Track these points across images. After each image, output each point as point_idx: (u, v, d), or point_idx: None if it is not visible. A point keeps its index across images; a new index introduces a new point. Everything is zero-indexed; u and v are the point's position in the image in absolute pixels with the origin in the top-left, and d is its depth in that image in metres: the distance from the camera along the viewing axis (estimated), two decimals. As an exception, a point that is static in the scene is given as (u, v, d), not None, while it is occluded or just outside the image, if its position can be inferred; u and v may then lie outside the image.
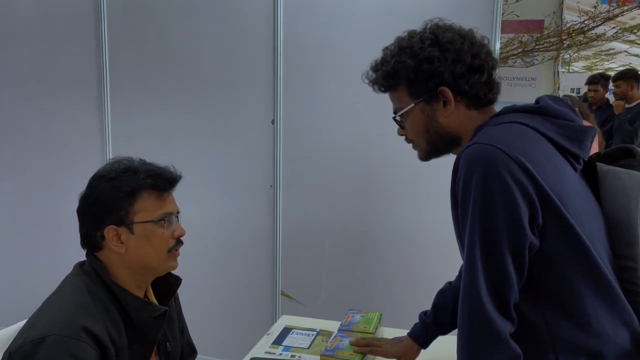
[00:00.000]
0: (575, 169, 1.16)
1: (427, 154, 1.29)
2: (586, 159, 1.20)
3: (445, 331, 1.57)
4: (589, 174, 1.22)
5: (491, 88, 1.23)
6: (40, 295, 1.32)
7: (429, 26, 1.25)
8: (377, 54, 1.31)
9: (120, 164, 1.32)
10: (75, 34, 2.78)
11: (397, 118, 1.29)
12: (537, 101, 1.21)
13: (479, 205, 1.05)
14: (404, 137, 1.32)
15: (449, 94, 1.20)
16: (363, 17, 2.44)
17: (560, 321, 1.08)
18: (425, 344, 1.58)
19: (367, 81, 1.31)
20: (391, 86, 1.27)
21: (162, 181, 1.32)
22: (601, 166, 1.23)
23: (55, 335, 1.13)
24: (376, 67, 1.28)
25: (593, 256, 1.07)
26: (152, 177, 1.30)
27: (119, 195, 1.27)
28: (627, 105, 4.90)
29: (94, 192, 1.29)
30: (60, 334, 1.13)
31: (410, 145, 1.33)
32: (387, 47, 1.27)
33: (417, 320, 1.62)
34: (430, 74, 1.19)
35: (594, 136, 1.17)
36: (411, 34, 1.25)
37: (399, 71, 1.22)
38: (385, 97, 1.33)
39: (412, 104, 1.24)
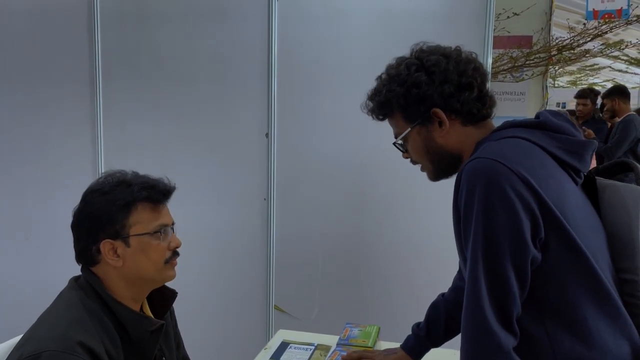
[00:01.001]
0: (576, 182, 1.17)
1: (435, 175, 1.32)
2: (586, 173, 1.21)
3: (438, 344, 1.59)
4: (589, 187, 1.23)
5: (484, 103, 1.25)
6: (30, 307, 1.30)
7: (414, 51, 1.28)
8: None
9: (114, 178, 1.32)
10: (68, 42, 2.76)
11: (399, 143, 1.32)
12: (537, 116, 1.23)
13: (482, 219, 1.06)
14: (409, 159, 1.35)
15: (442, 114, 1.23)
16: (357, 31, 2.46)
17: (562, 334, 1.09)
18: (418, 357, 1.59)
19: (365, 111, 1.34)
20: (387, 114, 1.31)
21: (157, 193, 1.31)
22: (600, 180, 1.24)
23: (51, 350, 1.11)
24: (372, 97, 1.32)
25: (595, 269, 1.09)
26: (146, 189, 1.29)
27: (114, 209, 1.27)
28: (618, 120, 5.00)
29: (88, 206, 1.29)
30: (56, 349, 1.12)
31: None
32: (379, 77, 1.31)
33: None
34: (420, 98, 1.23)
35: (594, 150, 1.19)
36: (399, 61, 1.28)
37: (390, 100, 1.26)
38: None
39: (409, 129, 1.27)
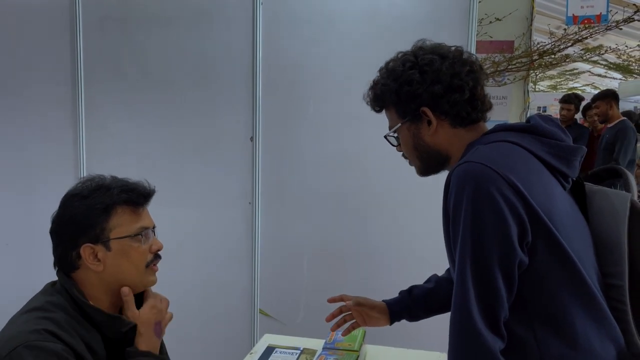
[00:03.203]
0: (564, 187, 1.19)
1: (422, 171, 1.34)
2: (575, 178, 1.22)
3: (419, 306, 1.61)
4: (577, 192, 1.24)
5: (474, 106, 1.25)
6: (2, 315, 1.29)
7: (414, 47, 1.29)
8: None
9: (92, 182, 1.31)
10: (49, 44, 2.73)
11: (391, 135, 1.33)
12: (528, 120, 1.24)
13: (470, 223, 1.07)
14: (401, 153, 1.36)
15: (430, 113, 1.24)
16: (341, 35, 2.47)
17: (550, 338, 1.10)
18: (395, 314, 1.62)
19: (366, 100, 1.35)
20: (382, 107, 1.32)
21: (137, 196, 1.31)
22: (589, 186, 1.26)
23: (21, 345, 1.11)
24: (371, 88, 1.33)
25: (581, 273, 1.10)
26: (126, 192, 1.29)
27: (93, 213, 1.26)
28: (608, 125, 5.02)
29: (67, 211, 1.28)
30: (26, 341, 1.12)
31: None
32: (381, 68, 1.32)
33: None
34: (410, 96, 1.24)
35: (582, 156, 1.20)
36: (397, 57, 1.29)
37: (384, 93, 1.28)
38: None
39: (399, 124, 1.28)
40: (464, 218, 1.08)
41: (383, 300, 1.65)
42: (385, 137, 1.34)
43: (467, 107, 1.24)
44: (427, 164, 1.31)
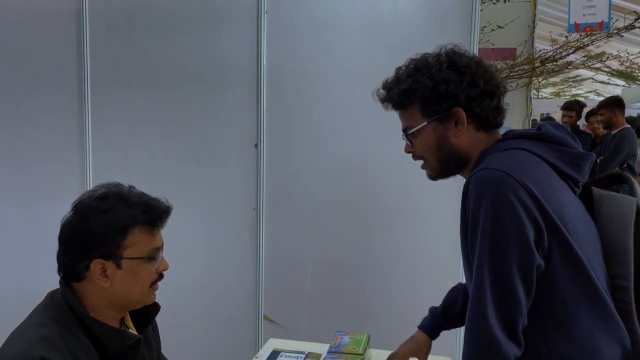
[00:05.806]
0: (574, 192, 1.21)
1: (437, 173, 1.33)
2: (584, 184, 1.25)
3: (454, 322, 1.61)
4: (586, 196, 1.27)
5: (500, 112, 1.28)
6: (9, 322, 1.28)
7: (444, 51, 1.30)
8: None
9: (111, 192, 1.28)
10: (56, 53, 2.75)
11: (410, 133, 1.32)
12: (539, 128, 1.26)
13: (489, 228, 1.09)
14: (410, 154, 1.35)
15: (463, 115, 1.25)
16: (345, 42, 2.48)
17: (559, 339, 1.12)
18: (434, 334, 1.63)
19: (377, 99, 1.34)
20: (405, 104, 1.30)
21: (156, 216, 1.28)
22: (597, 190, 1.28)
23: None
24: (390, 86, 1.32)
25: (591, 277, 1.12)
26: (146, 212, 1.26)
27: (112, 230, 1.23)
28: (612, 132, 5.04)
29: (84, 223, 1.24)
30: None
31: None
32: (400, 67, 1.31)
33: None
34: (446, 95, 1.24)
35: (592, 162, 1.23)
36: (426, 56, 1.30)
37: (415, 90, 1.26)
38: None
39: (425, 123, 1.28)
40: (483, 223, 1.09)
41: (420, 329, 1.64)
42: (405, 134, 1.32)
43: (494, 112, 1.27)
44: (445, 166, 1.30)
